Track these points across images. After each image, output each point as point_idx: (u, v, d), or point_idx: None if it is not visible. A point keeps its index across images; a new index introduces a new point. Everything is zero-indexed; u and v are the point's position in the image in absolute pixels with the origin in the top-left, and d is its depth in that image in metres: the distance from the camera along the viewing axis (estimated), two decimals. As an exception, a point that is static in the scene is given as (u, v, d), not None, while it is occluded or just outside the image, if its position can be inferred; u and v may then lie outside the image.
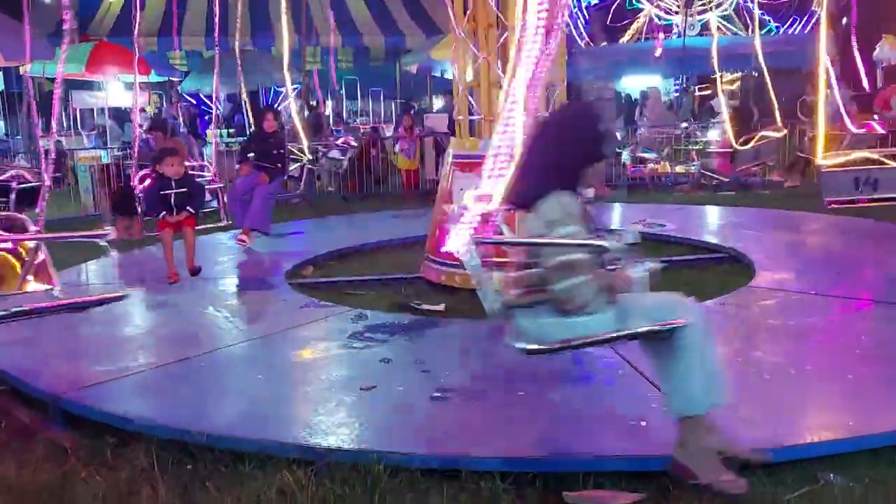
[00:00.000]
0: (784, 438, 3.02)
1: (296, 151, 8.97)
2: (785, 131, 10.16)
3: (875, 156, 6.70)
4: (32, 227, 4.47)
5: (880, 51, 15.00)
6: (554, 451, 3.05)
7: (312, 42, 17.11)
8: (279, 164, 7.51)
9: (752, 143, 10.21)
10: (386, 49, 18.91)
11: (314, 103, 16.20)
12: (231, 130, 16.53)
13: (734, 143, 10.18)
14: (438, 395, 3.56)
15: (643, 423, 3.16)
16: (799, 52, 12.79)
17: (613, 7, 21.52)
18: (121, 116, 17.68)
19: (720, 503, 2.69)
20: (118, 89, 16.01)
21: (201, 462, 3.09)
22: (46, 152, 8.21)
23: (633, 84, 19.08)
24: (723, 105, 11.91)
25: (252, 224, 7.18)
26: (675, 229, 7.64)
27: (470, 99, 6.02)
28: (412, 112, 16.02)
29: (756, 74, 9.11)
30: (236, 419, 3.42)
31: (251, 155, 7.55)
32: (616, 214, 9.07)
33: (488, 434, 3.16)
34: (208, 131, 12.90)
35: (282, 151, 7.56)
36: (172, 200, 5.81)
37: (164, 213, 5.83)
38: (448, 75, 15.16)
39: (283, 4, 9.45)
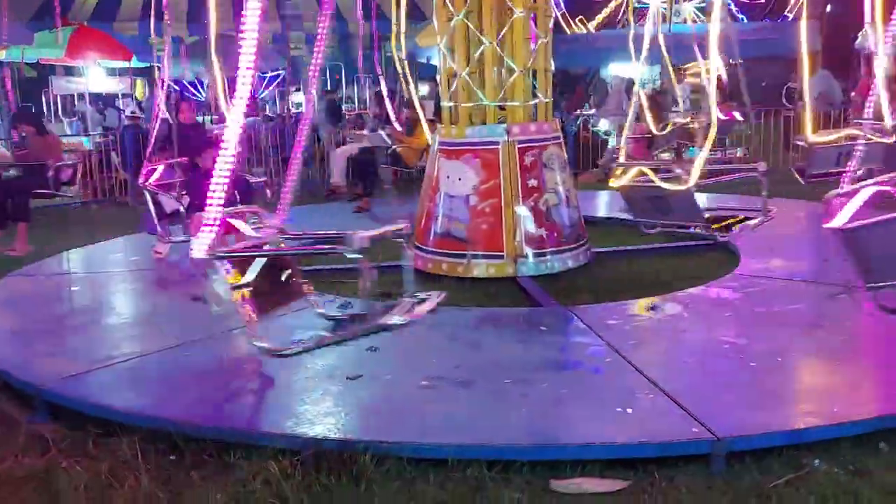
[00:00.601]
0: (769, 425, 3.04)
1: None
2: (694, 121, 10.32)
3: (859, 132, 6.69)
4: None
5: (862, 39, 15.09)
6: (541, 439, 3.05)
7: (296, 28, 16.96)
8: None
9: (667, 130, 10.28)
10: (370, 35, 18.76)
11: (327, 89, 16.07)
12: (215, 117, 16.36)
13: (653, 129, 10.27)
14: (426, 383, 3.54)
15: (629, 411, 3.17)
16: (782, 40, 12.86)
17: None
18: (101, 103, 17.47)
19: (716, 488, 2.71)
20: (99, 75, 15.80)
21: (186, 453, 3.06)
22: (22, 138, 8.15)
23: (619, 72, 19.08)
24: (678, 94, 11.97)
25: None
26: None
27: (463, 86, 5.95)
28: (397, 99, 15.92)
29: (738, 62, 9.11)
30: (221, 409, 3.39)
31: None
32: (603, 202, 9.07)
33: (475, 422, 3.15)
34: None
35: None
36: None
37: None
38: (434, 62, 15.06)
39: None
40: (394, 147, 9.28)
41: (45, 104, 18.06)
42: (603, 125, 13.43)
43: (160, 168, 6.29)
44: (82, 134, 13.92)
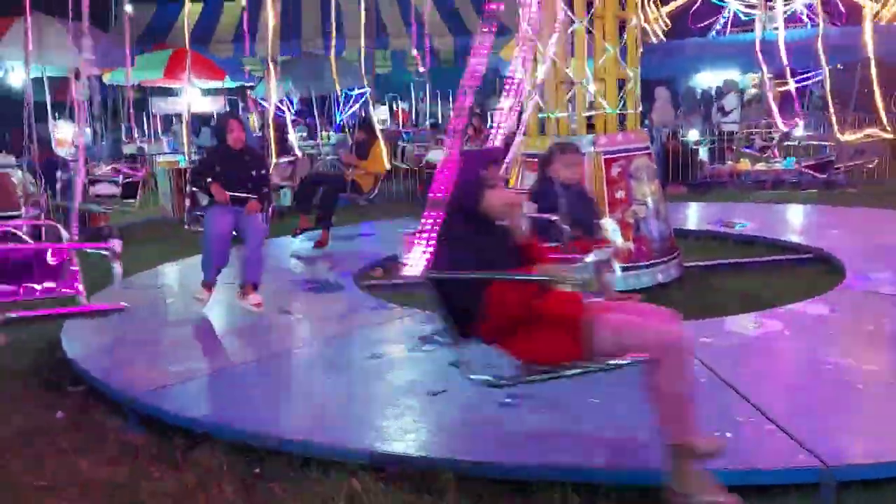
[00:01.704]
0: (882, 454, 2.79)
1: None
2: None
3: None
4: (65, 234, 4.78)
5: None
6: (630, 462, 2.90)
7: (382, 45, 17.26)
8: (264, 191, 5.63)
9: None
10: (455, 50, 18.91)
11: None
12: (303, 134, 16.81)
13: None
14: (509, 401, 3.44)
15: (728, 435, 2.97)
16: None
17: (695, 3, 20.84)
18: (196, 121, 18.21)
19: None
20: (195, 95, 16.48)
21: (269, 465, 3.07)
22: (131, 156, 8.63)
23: (709, 80, 18.51)
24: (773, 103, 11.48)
25: (255, 279, 5.30)
26: (757, 228, 7.32)
27: (539, 98, 5.88)
28: (479, 112, 15.93)
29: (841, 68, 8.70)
30: (304, 422, 3.40)
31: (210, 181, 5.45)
32: (693, 214, 8.76)
33: (559, 442, 3.03)
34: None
35: (263, 173, 5.66)
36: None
37: None
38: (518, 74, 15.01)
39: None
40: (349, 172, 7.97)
41: (145, 123, 18.97)
42: (692, 135, 13.06)
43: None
44: (178, 152, 14.52)
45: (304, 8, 18.87)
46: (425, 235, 2.78)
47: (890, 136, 9.41)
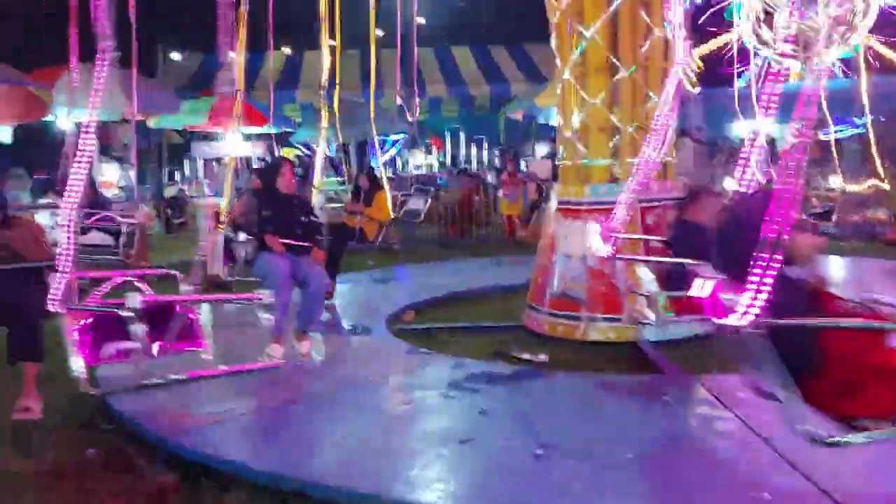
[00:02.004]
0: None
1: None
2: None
3: None
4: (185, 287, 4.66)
5: None
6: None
7: (421, 94, 17.56)
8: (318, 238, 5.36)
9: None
10: (491, 97, 19.17)
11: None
12: (339, 179, 17.05)
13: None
14: (540, 452, 3.37)
15: (766, 496, 2.87)
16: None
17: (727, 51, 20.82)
18: (237, 165, 18.57)
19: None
20: (236, 140, 16.85)
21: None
22: (172, 198, 8.77)
23: (744, 130, 18.41)
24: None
25: (310, 325, 5.17)
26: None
27: (579, 145, 5.88)
28: (514, 158, 16.04)
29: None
30: (332, 467, 3.36)
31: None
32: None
33: (592, 498, 2.95)
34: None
35: (312, 219, 5.43)
36: None
37: None
38: (553, 122, 15.12)
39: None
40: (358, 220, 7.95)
41: (187, 167, 19.45)
42: (730, 184, 12.89)
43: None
44: (219, 195, 14.79)
45: (343, 57, 19.32)
46: (755, 280, 2.40)
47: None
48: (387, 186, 8.16)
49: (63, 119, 13.05)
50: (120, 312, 3.81)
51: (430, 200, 12.38)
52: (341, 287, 7.50)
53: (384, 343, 5.61)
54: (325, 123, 7.00)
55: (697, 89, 5.87)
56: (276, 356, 4.83)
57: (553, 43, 5.99)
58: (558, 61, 5.92)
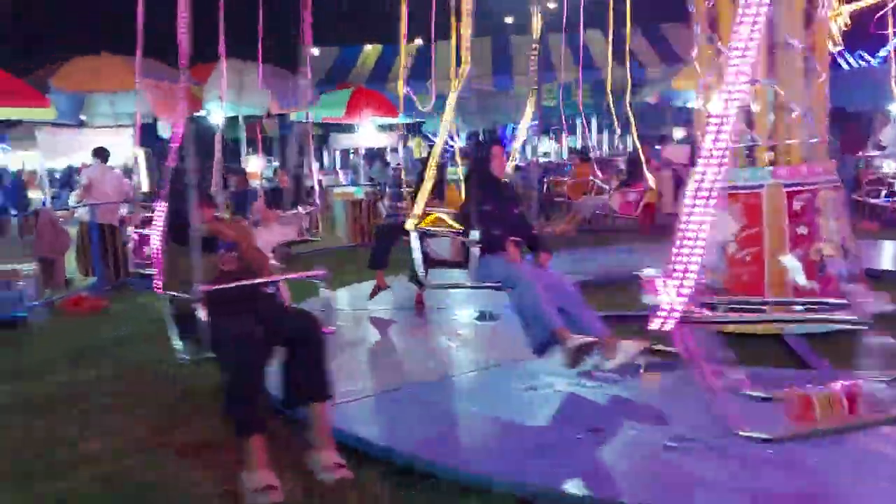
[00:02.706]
0: None
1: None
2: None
3: None
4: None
5: None
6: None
7: (549, 79, 17.35)
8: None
9: None
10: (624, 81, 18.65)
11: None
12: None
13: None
14: (673, 444, 3.28)
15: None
16: None
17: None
18: (372, 156, 19.17)
19: None
20: (371, 131, 17.39)
21: (425, 491, 3.11)
22: (311, 188, 9.15)
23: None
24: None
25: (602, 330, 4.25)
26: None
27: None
28: (649, 144, 15.53)
29: None
30: (462, 450, 3.42)
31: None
32: (889, 252, 7.94)
33: (729, 494, 2.83)
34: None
35: (523, 211, 5.04)
36: None
37: None
38: (690, 104, 14.50)
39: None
40: None
41: (325, 158, 20.25)
42: (889, 167, 11.92)
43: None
44: (354, 184, 15.34)
45: (475, 47, 19.45)
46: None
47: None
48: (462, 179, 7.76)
49: (215, 114, 14.00)
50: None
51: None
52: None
53: (512, 329, 5.61)
54: (449, 116, 6.70)
55: (839, 47, 5.42)
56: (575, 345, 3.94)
57: (699, 24, 5.65)
58: (716, 40, 5.53)
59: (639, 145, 9.77)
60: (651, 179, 9.57)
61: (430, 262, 5.32)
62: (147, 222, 7.12)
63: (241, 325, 3.27)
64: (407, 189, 7.63)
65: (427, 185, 5.46)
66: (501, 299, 6.41)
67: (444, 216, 5.92)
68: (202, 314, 3.20)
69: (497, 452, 3.36)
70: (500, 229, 4.55)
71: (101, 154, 9.58)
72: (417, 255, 5.20)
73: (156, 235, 3.40)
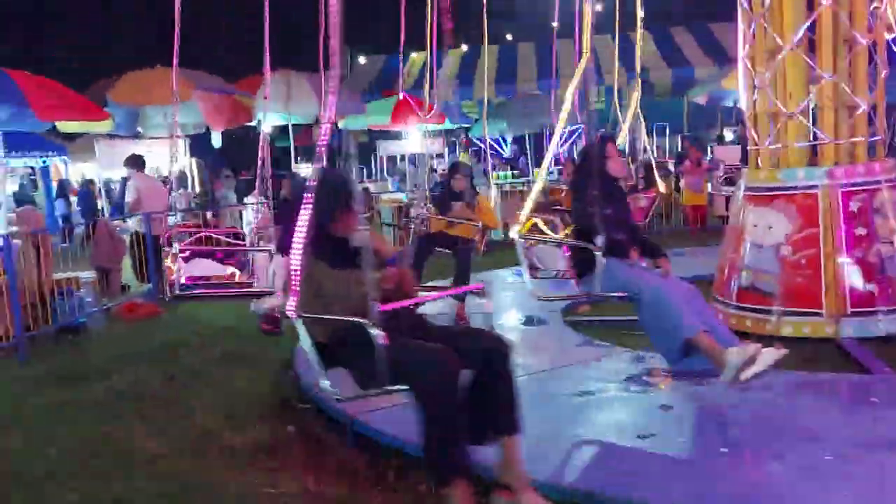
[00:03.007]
0: None
1: None
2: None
3: None
4: None
5: None
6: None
7: (596, 82, 17.22)
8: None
9: None
10: (672, 83, 18.39)
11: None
12: (515, 172, 17.17)
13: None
14: (726, 450, 3.21)
15: None
16: None
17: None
18: (417, 162, 19.26)
19: None
20: (416, 137, 17.49)
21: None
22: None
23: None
24: None
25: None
26: None
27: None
28: (697, 143, 15.29)
29: None
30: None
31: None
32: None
33: (781, 500, 2.77)
34: (493, 174, 13.47)
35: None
36: None
37: None
38: (741, 105, 14.22)
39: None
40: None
41: (373, 164, 20.43)
42: None
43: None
44: (401, 191, 15.46)
45: (520, 52, 19.45)
46: None
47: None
48: (494, 190, 7.53)
49: (264, 124, 14.28)
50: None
51: None
52: (514, 277, 7.53)
53: (559, 334, 5.58)
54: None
55: (894, 34, 5.24)
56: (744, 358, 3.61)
57: (749, 20, 5.52)
58: (776, 36, 5.38)
59: (650, 150, 9.48)
60: (662, 185, 9.37)
61: (535, 271, 4.85)
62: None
63: (432, 350, 2.78)
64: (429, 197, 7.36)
65: (537, 187, 4.87)
66: (547, 305, 6.40)
67: (539, 222, 5.75)
68: (381, 339, 2.69)
69: (545, 459, 3.34)
70: (624, 234, 4.22)
71: (136, 162, 9.28)
72: (523, 265, 4.74)
73: (296, 251, 2.71)
